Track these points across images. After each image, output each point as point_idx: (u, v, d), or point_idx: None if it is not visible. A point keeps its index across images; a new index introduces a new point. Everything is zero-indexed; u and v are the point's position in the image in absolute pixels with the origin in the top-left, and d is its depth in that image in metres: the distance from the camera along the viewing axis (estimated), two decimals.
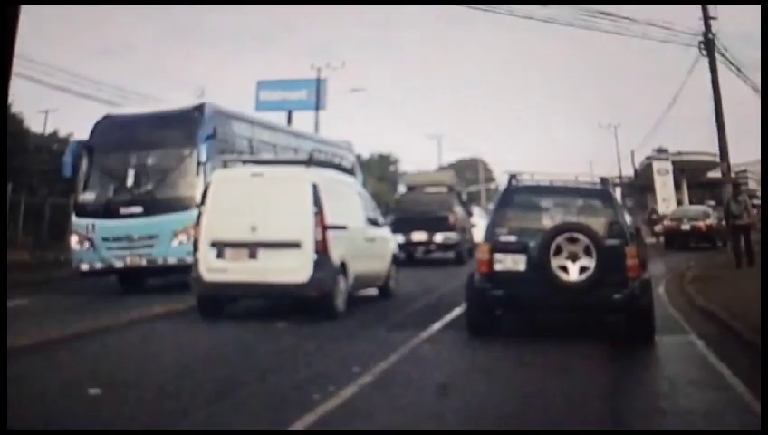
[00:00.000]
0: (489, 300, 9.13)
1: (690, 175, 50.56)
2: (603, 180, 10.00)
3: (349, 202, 12.00)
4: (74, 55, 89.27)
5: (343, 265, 10.89)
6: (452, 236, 21.61)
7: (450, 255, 22.24)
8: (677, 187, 47.85)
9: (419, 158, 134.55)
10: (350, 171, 12.55)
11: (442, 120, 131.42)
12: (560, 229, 8.92)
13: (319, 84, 39.03)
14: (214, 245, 10.60)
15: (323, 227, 10.47)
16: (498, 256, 9.03)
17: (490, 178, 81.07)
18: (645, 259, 9.68)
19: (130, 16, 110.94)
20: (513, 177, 9.74)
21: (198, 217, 10.94)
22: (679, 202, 44.43)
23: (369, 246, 12.27)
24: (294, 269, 10.33)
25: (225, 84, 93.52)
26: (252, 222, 10.45)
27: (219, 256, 10.58)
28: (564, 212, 9.51)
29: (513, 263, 8.99)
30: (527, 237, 9.07)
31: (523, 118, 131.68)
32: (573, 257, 8.75)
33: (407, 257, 22.17)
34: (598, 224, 9.12)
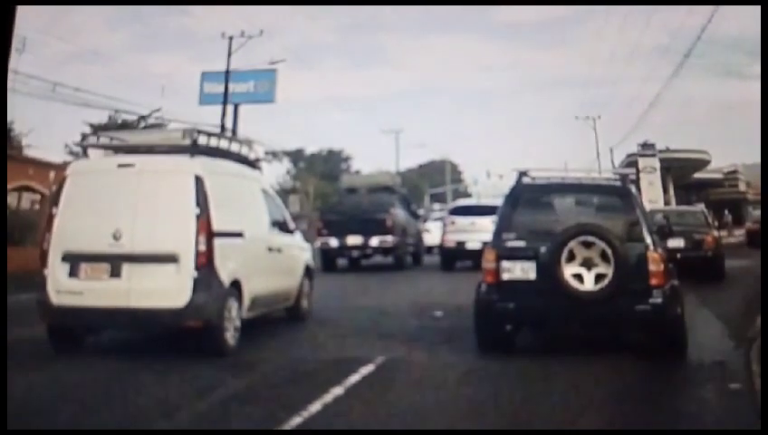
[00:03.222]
0: (496, 313, 8.72)
1: (676, 175, 49.97)
2: (622, 177, 9.47)
3: (248, 202, 10.10)
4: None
5: (236, 285, 8.95)
6: (388, 239, 22.07)
7: (389, 259, 22.83)
8: (664, 188, 47.21)
9: (377, 155, 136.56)
10: (253, 163, 10.87)
11: (409, 120, 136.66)
12: (572, 233, 8.39)
13: (269, 75, 37.98)
14: (66, 259, 8.63)
15: (209, 234, 8.50)
16: (505, 263, 8.62)
17: (458, 180, 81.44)
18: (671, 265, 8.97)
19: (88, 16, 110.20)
20: (522, 174, 9.25)
21: (48, 221, 9.23)
22: (666, 204, 43.69)
23: (273, 259, 10.39)
24: (168, 291, 8.39)
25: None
26: (114, 228, 8.51)
27: (72, 273, 8.60)
28: (579, 213, 9.15)
29: (523, 271, 8.58)
30: (538, 242, 8.59)
31: (493, 117, 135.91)
32: (588, 264, 8.31)
33: (349, 263, 23.39)
34: (616, 226, 8.61)
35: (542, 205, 9.26)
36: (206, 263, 8.52)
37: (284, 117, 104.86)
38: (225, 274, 8.77)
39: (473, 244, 20.38)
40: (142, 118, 34.77)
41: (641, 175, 45.47)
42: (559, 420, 6.24)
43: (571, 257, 8.31)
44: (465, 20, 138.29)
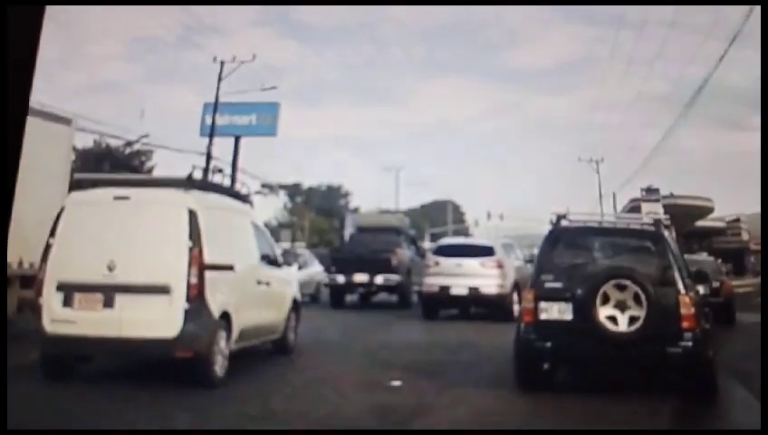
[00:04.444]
0: (534, 352, 9.17)
1: (679, 222, 50.13)
2: (656, 222, 9.88)
3: (238, 236, 10.57)
4: None
5: (226, 317, 9.37)
6: (393, 278, 22.63)
7: (393, 298, 23.40)
8: None
9: (377, 192, 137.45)
10: (244, 198, 11.45)
11: (412, 159, 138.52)
12: (606, 275, 8.83)
13: (272, 108, 38.15)
14: (60, 288, 9.04)
15: (200, 266, 8.95)
16: (543, 304, 9.04)
17: (460, 220, 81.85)
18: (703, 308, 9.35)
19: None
20: (560, 217, 9.74)
21: (45, 251, 9.61)
22: None
23: (262, 292, 10.83)
24: (159, 322, 8.79)
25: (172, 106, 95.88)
26: (109, 259, 8.94)
27: (66, 302, 9.00)
28: (614, 256, 9.57)
29: (560, 312, 8.99)
30: (574, 284, 8.98)
31: (496, 159, 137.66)
32: (622, 306, 8.70)
33: (359, 300, 24.37)
34: (649, 269, 8.98)
35: (578, 247, 9.71)
36: (197, 295, 8.93)
37: (286, 152, 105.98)
38: (216, 306, 9.18)
39: (458, 289, 19.06)
40: (129, 144, 34.95)
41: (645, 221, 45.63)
42: None
43: (606, 299, 8.72)
44: (470, 63, 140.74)
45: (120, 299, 9.02)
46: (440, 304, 19.85)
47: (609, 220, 10.07)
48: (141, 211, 9.40)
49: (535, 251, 23.06)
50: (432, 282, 19.62)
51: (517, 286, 18.65)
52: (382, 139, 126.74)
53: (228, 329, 9.52)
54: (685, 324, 8.66)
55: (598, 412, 8.24)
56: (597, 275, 8.90)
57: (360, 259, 23.07)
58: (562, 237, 9.65)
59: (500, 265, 19.26)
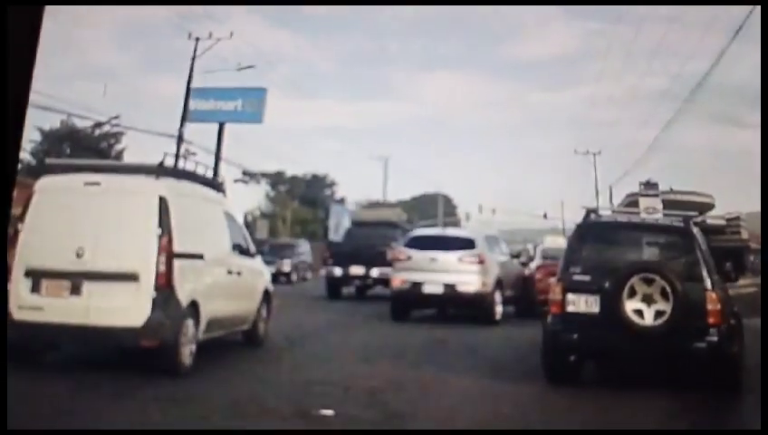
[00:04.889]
0: (561, 344, 9.36)
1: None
2: (685, 218, 10.05)
3: (210, 225, 10.58)
4: None
5: (194, 306, 9.40)
6: (388, 271, 22.21)
7: (388, 291, 22.86)
8: None
9: (364, 182, 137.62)
10: (217, 187, 11.46)
11: (406, 152, 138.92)
12: (633, 269, 8.99)
13: (258, 94, 37.55)
14: (29, 274, 9.03)
15: (169, 254, 8.99)
16: (571, 296, 9.23)
17: (451, 213, 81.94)
18: (730, 304, 9.53)
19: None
20: (590, 212, 10.00)
21: (13, 237, 9.73)
22: None
23: (232, 282, 10.85)
24: (126, 309, 8.82)
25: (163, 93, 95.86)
26: (78, 246, 8.96)
27: (34, 289, 9.01)
28: (642, 251, 9.79)
29: (587, 304, 9.18)
30: (602, 277, 9.13)
31: (491, 152, 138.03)
32: (648, 300, 8.85)
33: (356, 292, 24.84)
34: (677, 264, 9.18)
35: (607, 242, 9.92)
36: (165, 283, 8.97)
37: (276, 142, 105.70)
38: (184, 294, 9.22)
39: (432, 287, 17.10)
40: (98, 125, 34.41)
41: (643, 217, 45.72)
42: None
43: (633, 293, 8.88)
44: (468, 57, 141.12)
45: (87, 286, 9.04)
46: (411, 304, 17.91)
47: (639, 216, 10.29)
48: (112, 198, 9.41)
49: (529, 246, 22.54)
50: (402, 278, 17.56)
51: (500, 284, 17.55)
52: (374, 130, 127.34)
53: (196, 318, 9.55)
54: (711, 320, 8.80)
55: (612, 408, 8.43)
56: (624, 269, 9.06)
57: (357, 252, 23.54)
58: (591, 232, 9.90)
59: (481, 261, 17.19)
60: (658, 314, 8.79)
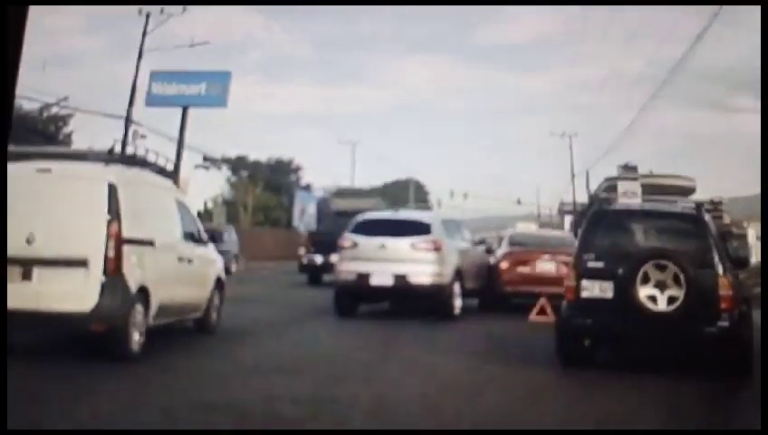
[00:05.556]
0: (575, 329, 9.68)
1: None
2: (697, 205, 10.39)
3: (160, 212, 10.76)
4: None
5: (144, 291, 9.58)
6: None
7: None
8: None
9: (332, 167, 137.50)
10: (169, 174, 11.65)
11: (380, 138, 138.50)
12: (647, 256, 9.31)
13: (222, 77, 37.46)
14: None
15: (118, 240, 9.16)
16: (585, 282, 9.56)
17: (423, 199, 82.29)
18: (741, 290, 9.85)
19: None
20: (603, 200, 10.15)
21: None
22: None
23: (183, 269, 11.02)
24: (75, 295, 8.98)
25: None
26: (28, 232, 9.10)
27: None
28: (655, 237, 10.04)
29: (601, 290, 9.50)
30: (615, 264, 9.43)
31: (466, 138, 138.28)
32: (661, 286, 9.16)
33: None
34: (689, 251, 9.45)
35: (620, 229, 10.21)
36: (114, 269, 9.14)
37: (245, 129, 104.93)
38: (133, 280, 9.38)
39: (381, 278, 15.19)
40: (46, 106, 33.85)
41: (621, 201, 45.14)
42: None
43: (646, 279, 9.19)
44: (442, 41, 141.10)
45: (38, 272, 9.17)
46: (358, 298, 16.10)
47: (651, 203, 10.64)
48: (62, 185, 9.55)
49: (503, 233, 22.40)
50: (347, 268, 15.71)
51: (460, 275, 15.84)
52: (345, 115, 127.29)
53: (146, 304, 9.72)
54: (723, 305, 9.12)
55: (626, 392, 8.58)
56: (638, 256, 9.38)
57: (337, 241, 23.99)
58: (604, 219, 10.21)
59: (437, 248, 15.31)
60: (671, 299, 9.11)
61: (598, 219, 10.17)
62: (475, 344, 12.38)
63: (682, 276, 9.07)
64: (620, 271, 9.37)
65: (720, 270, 9.32)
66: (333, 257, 22.58)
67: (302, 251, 27.36)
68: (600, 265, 9.61)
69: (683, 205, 10.68)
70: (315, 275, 26.33)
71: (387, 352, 11.25)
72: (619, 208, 10.49)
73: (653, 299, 9.17)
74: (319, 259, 25.74)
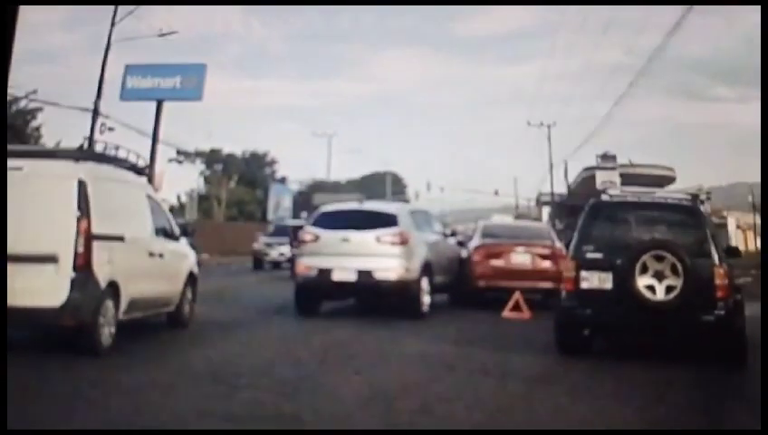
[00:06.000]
0: (575, 319, 9.98)
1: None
2: (693, 197, 10.74)
3: (131, 208, 10.95)
4: None
5: (113, 286, 9.76)
6: None
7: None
8: None
9: (307, 160, 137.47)
10: (140, 170, 11.74)
11: (357, 131, 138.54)
12: (645, 247, 9.61)
13: (197, 70, 37.49)
14: None
15: (87, 236, 9.35)
16: (584, 273, 9.85)
17: (401, 192, 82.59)
18: (735, 280, 10.17)
19: None
20: (600, 192, 10.41)
21: None
22: None
23: (154, 264, 11.19)
24: (46, 290, 9.15)
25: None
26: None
27: None
28: (652, 229, 10.31)
29: (600, 281, 9.80)
30: (614, 255, 9.73)
31: (443, 130, 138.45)
32: (660, 276, 9.48)
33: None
34: (686, 241, 9.81)
35: (618, 220, 10.49)
36: (84, 264, 9.30)
37: (221, 123, 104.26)
38: (103, 275, 9.54)
39: (344, 273, 14.36)
40: (15, 100, 33.65)
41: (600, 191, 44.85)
42: None
43: (644, 269, 9.50)
44: (420, 34, 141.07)
45: (9, 268, 9.21)
46: (319, 295, 15.17)
47: (648, 195, 10.94)
48: (33, 182, 9.67)
49: (479, 223, 21.96)
50: (308, 264, 14.78)
51: (429, 269, 14.96)
52: (322, 109, 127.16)
53: (116, 299, 9.88)
54: (719, 294, 9.46)
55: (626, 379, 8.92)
56: (636, 246, 9.67)
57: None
58: (603, 210, 10.51)
59: (403, 241, 14.46)
60: (669, 289, 9.43)
61: (596, 211, 10.44)
62: (442, 348, 11.10)
63: (679, 266, 9.38)
64: (619, 262, 9.65)
65: (716, 259, 9.64)
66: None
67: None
68: (598, 256, 9.89)
69: (679, 196, 11.01)
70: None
71: (341, 358, 10.29)
72: (616, 200, 10.83)
73: (651, 289, 9.47)
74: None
